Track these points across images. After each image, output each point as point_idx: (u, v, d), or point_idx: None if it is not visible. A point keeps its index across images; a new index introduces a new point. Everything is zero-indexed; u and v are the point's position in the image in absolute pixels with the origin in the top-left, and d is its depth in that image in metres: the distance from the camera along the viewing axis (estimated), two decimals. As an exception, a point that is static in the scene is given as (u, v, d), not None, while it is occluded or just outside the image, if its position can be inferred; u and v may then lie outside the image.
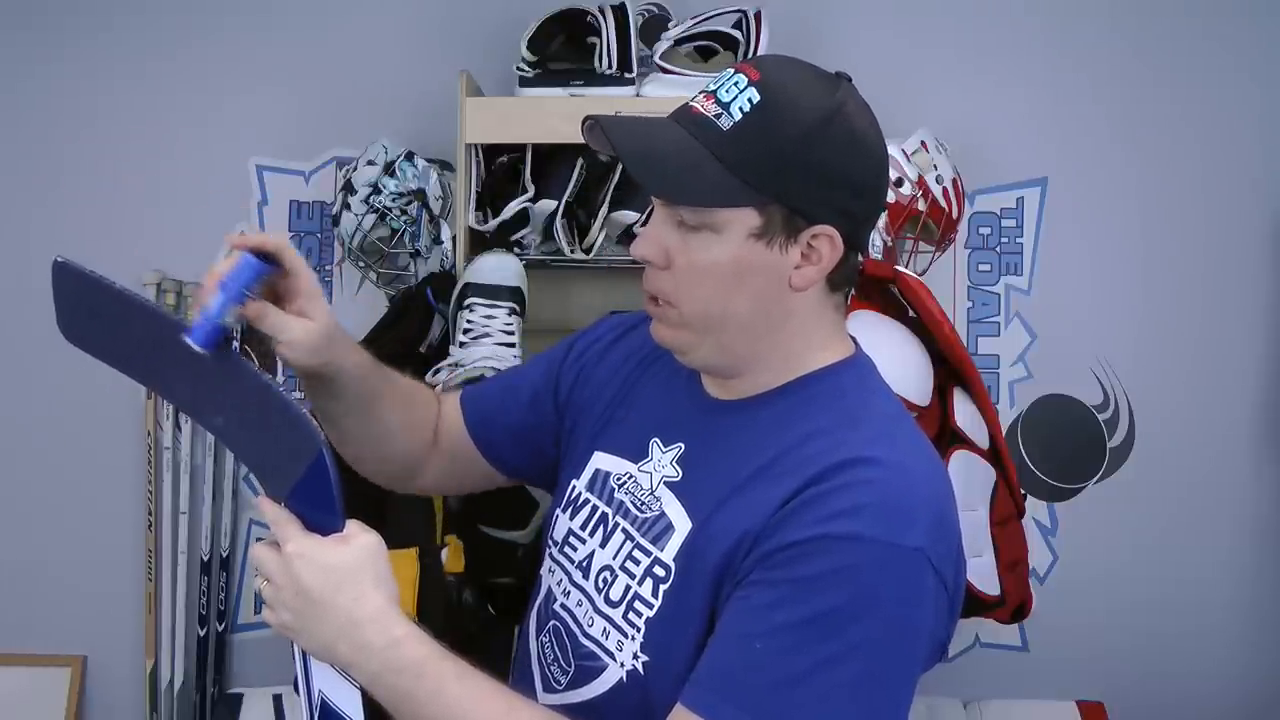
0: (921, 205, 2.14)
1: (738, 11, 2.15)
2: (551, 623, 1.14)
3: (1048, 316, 2.46)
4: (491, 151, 2.17)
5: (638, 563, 1.05)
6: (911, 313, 1.89)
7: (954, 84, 2.43)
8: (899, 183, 2.13)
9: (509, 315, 2.02)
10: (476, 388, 1.35)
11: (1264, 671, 2.46)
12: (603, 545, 1.10)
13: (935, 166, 2.17)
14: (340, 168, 2.41)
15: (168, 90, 2.49)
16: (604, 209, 2.10)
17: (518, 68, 2.14)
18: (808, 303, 1.04)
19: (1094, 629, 2.45)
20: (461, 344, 1.99)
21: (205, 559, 2.49)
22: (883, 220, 2.10)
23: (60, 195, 2.49)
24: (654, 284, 1.05)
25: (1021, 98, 2.44)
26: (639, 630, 1.03)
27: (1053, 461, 2.48)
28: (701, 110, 0.99)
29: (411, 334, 2.11)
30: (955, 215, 2.20)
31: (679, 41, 2.16)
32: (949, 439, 1.84)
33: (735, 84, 0.99)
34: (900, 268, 1.91)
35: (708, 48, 2.22)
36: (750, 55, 2.09)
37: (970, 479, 1.83)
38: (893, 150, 2.07)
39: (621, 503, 1.10)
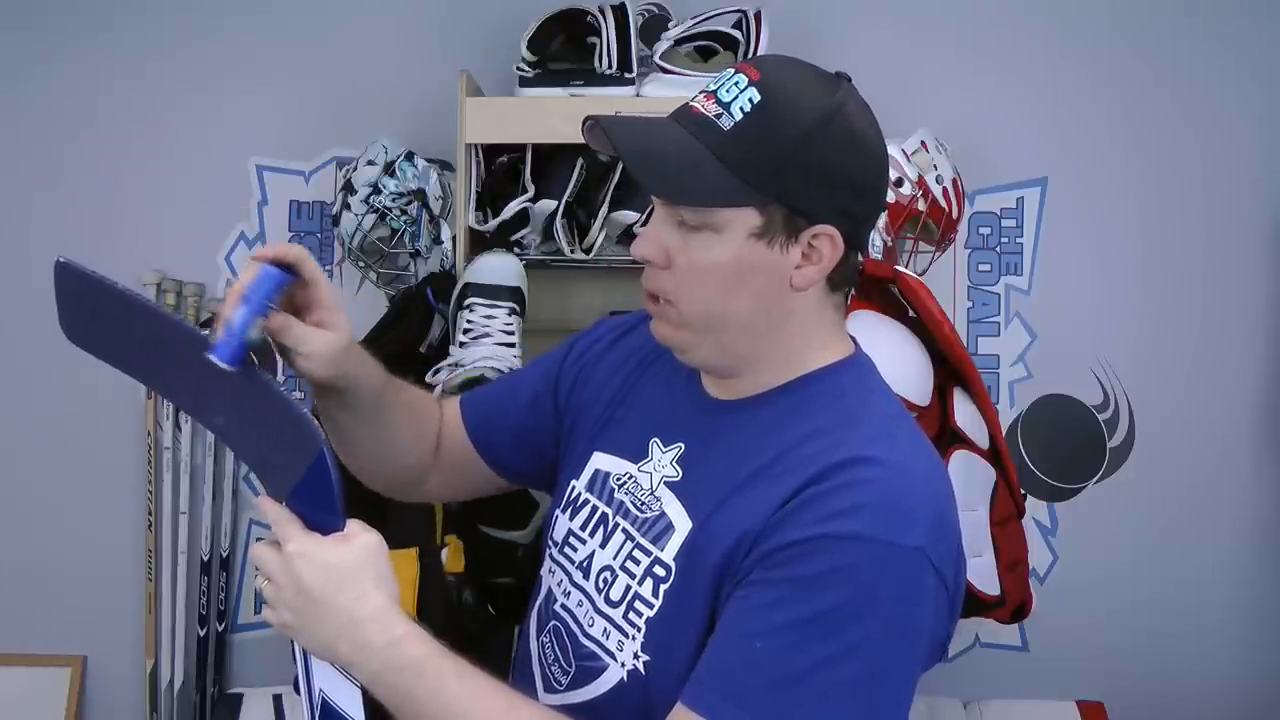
0: (921, 205, 2.14)
1: (738, 11, 2.15)
2: (552, 623, 1.14)
3: (1048, 316, 2.46)
4: (491, 151, 2.17)
5: (638, 563, 1.05)
6: (911, 313, 1.89)
7: (954, 84, 2.43)
8: (899, 183, 2.13)
9: (509, 315, 2.02)
10: (476, 392, 1.35)
11: (1264, 671, 2.47)
12: (603, 545, 1.10)
13: (935, 166, 2.17)
14: (340, 168, 2.41)
15: (168, 90, 2.49)
16: (604, 209, 2.10)
17: (518, 68, 2.14)
18: (808, 302, 1.04)
19: (1094, 629, 2.45)
20: (461, 344, 1.99)
21: (205, 559, 2.49)
22: (883, 220, 2.10)
23: (60, 195, 2.50)
24: (654, 284, 1.05)
25: (1021, 98, 2.44)
26: (639, 630, 1.03)
27: (1053, 461, 2.48)
28: (702, 110, 0.99)
29: (411, 334, 2.11)
30: (955, 215, 2.20)
31: (679, 41, 2.16)
32: (949, 439, 1.84)
33: (736, 84, 0.99)
34: (900, 268, 1.91)
35: (708, 48, 2.22)
36: (750, 55, 2.09)
37: (970, 479, 1.83)
38: (893, 150, 2.07)
39: (621, 503, 1.10)
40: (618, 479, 1.12)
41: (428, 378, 1.96)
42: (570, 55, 2.18)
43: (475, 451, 1.29)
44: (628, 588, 1.05)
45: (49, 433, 2.51)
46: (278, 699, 2.36)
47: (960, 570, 1.02)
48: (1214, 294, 2.44)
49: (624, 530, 1.08)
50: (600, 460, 1.16)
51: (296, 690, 1.03)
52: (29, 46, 2.49)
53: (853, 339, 1.12)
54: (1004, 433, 2.12)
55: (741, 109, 0.97)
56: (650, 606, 1.03)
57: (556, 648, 1.12)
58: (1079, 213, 2.45)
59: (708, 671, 0.94)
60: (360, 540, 0.96)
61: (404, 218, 2.13)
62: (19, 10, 2.49)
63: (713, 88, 1.00)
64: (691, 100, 1.02)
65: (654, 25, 2.20)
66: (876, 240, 2.09)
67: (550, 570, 1.17)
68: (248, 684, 2.48)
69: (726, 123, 0.98)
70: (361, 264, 2.20)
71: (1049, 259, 2.46)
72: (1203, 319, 2.44)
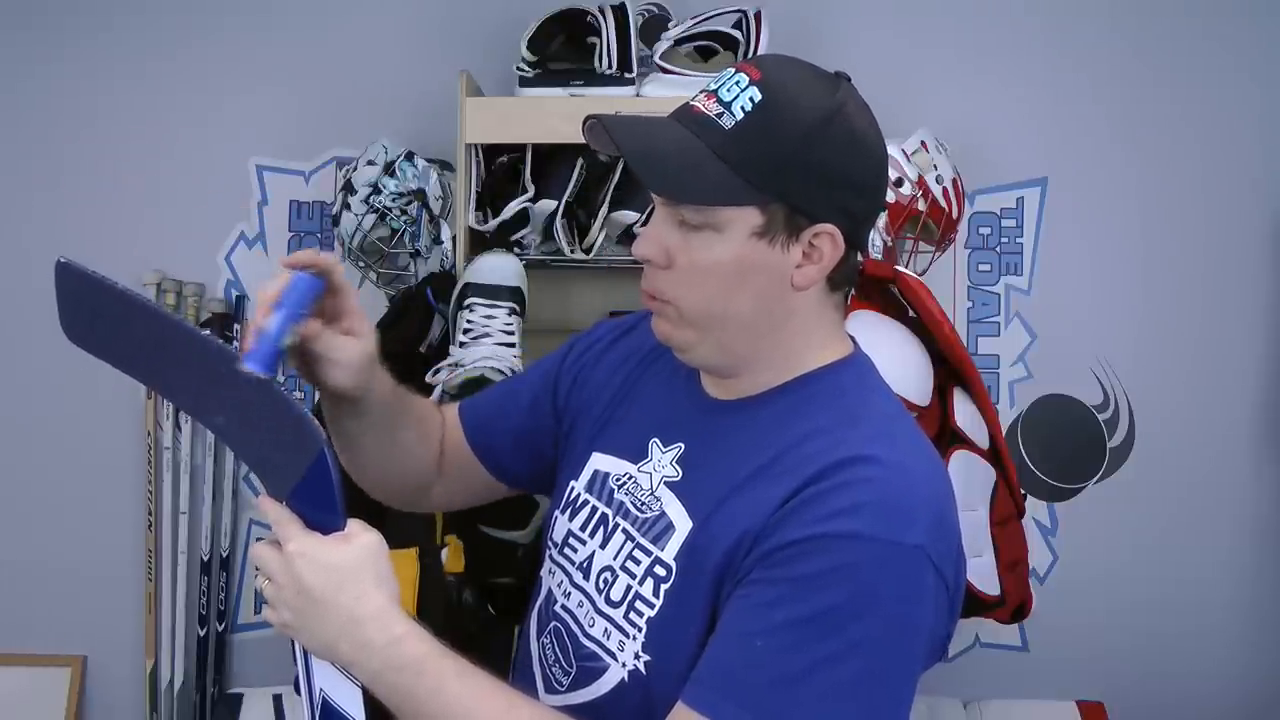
0: (921, 205, 2.14)
1: (738, 11, 2.15)
2: (552, 624, 1.14)
3: (1048, 316, 2.47)
4: (491, 151, 2.17)
5: (638, 563, 1.05)
6: (911, 313, 1.89)
7: (954, 84, 2.43)
8: (899, 183, 2.13)
9: (509, 315, 2.02)
10: (475, 398, 1.35)
11: (1264, 671, 2.47)
12: (603, 546, 1.10)
13: (935, 166, 2.17)
14: (340, 168, 2.41)
15: (168, 90, 2.49)
16: (604, 209, 2.10)
17: (518, 68, 2.14)
18: (808, 302, 1.04)
19: (1094, 629, 2.45)
20: (461, 344, 1.99)
21: (205, 559, 2.49)
22: (883, 220, 2.10)
23: (60, 195, 2.50)
24: (655, 284, 1.05)
25: (1021, 98, 2.44)
26: (640, 630, 1.03)
27: (1053, 461, 2.48)
28: (703, 109, 0.99)
29: (411, 334, 2.11)
30: (955, 215, 2.20)
31: (679, 41, 2.16)
32: (949, 439, 1.84)
33: (736, 83, 0.99)
34: (900, 268, 1.91)
35: (708, 48, 2.22)
36: (750, 55, 2.09)
37: (970, 479, 1.83)
38: (893, 150, 2.07)
39: (621, 503, 1.10)
40: (617, 479, 1.12)
41: (428, 378, 1.96)
42: (570, 55, 2.18)
43: (475, 458, 1.28)
44: (628, 588, 1.05)
45: (49, 433, 2.51)
46: (278, 699, 2.36)
47: (960, 569, 1.02)
48: (1214, 294, 2.44)
49: (624, 530, 1.08)
50: (599, 461, 1.16)
51: (297, 690, 1.03)
52: (29, 46, 2.49)
53: (852, 339, 1.12)
54: (1004, 433, 2.12)
55: (742, 108, 0.97)
56: (651, 606, 1.03)
57: (557, 648, 1.12)
58: (1079, 213, 2.45)
59: (708, 670, 0.94)
60: (361, 540, 0.96)
61: (404, 218, 2.13)
62: (19, 10, 2.49)
63: (713, 87, 1.00)
64: (692, 99, 1.02)
65: (654, 25, 2.20)
66: (876, 240, 2.09)
67: (550, 571, 1.17)
68: (248, 684, 2.48)
69: (728, 122, 0.98)
70: (361, 264, 2.20)
71: (1049, 259, 2.46)
72: (1203, 319, 2.44)
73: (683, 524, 1.03)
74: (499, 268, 2.04)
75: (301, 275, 1.02)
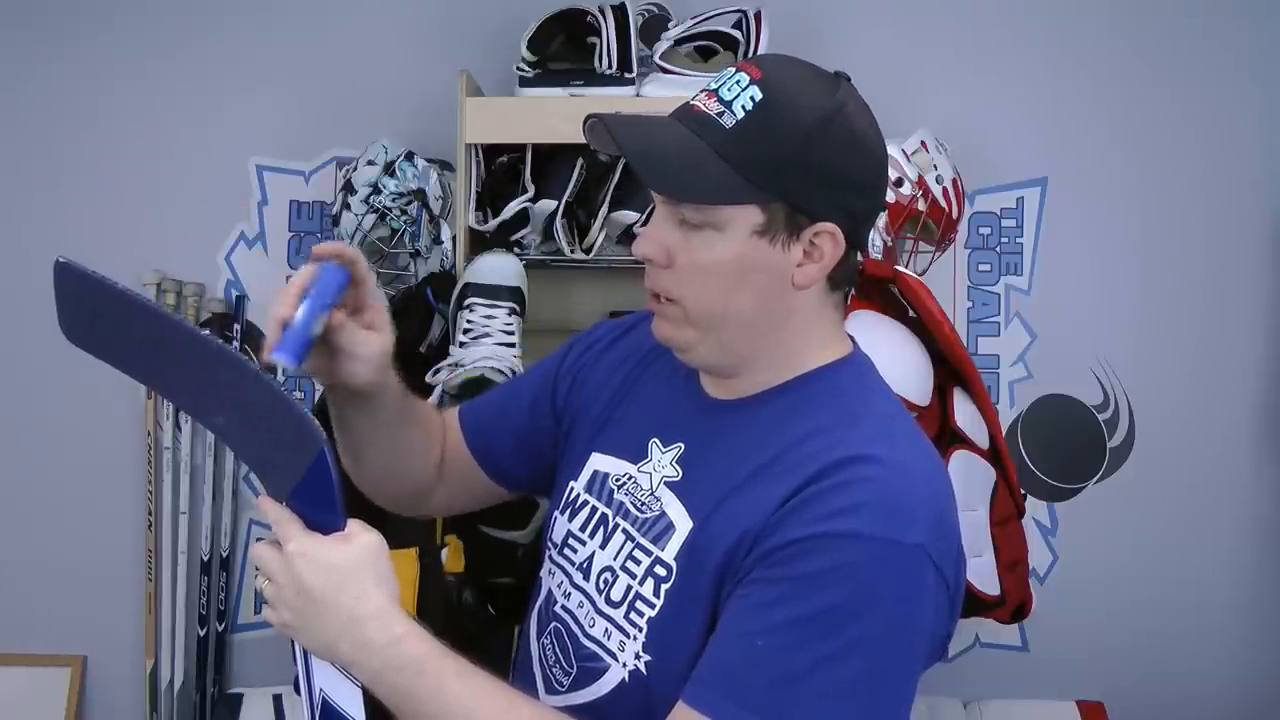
0: (921, 205, 2.14)
1: (738, 11, 2.15)
2: (553, 624, 1.14)
3: (1048, 316, 2.46)
4: (491, 151, 2.17)
5: (638, 563, 1.05)
6: (911, 313, 1.89)
7: (954, 84, 2.43)
8: (899, 183, 2.13)
9: (509, 315, 2.02)
10: (474, 402, 1.35)
11: (1264, 671, 2.47)
12: (603, 546, 1.10)
13: (935, 166, 2.17)
14: (340, 168, 2.41)
15: (168, 90, 2.49)
16: (604, 209, 2.10)
17: (518, 68, 2.14)
18: (809, 301, 1.04)
19: (1094, 629, 2.45)
20: (461, 344, 1.99)
21: (205, 559, 2.49)
22: (883, 220, 2.10)
23: (60, 195, 2.49)
24: (657, 283, 1.05)
25: (1021, 98, 2.44)
26: (641, 630, 1.03)
27: (1053, 461, 2.48)
28: (704, 108, 1.00)
29: (411, 334, 2.11)
30: (955, 215, 2.20)
31: (679, 41, 2.16)
32: (949, 439, 1.84)
33: (737, 82, 0.99)
34: (900, 268, 1.91)
35: (708, 48, 2.22)
36: (750, 55, 2.09)
37: (970, 479, 1.83)
38: (893, 150, 2.07)
39: (621, 503, 1.10)
40: (617, 480, 1.12)
41: (428, 378, 1.96)
42: (570, 55, 2.18)
43: (475, 462, 1.29)
44: (629, 588, 1.05)
45: (49, 433, 2.51)
46: (278, 699, 2.36)
47: (960, 568, 1.02)
48: (1214, 294, 2.44)
49: (624, 531, 1.08)
50: (599, 461, 1.16)
51: (297, 690, 1.03)
52: (29, 46, 2.49)
53: (851, 338, 1.12)
54: (1004, 433, 2.12)
55: (743, 107, 0.98)
56: (652, 606, 1.03)
57: (557, 649, 1.12)
58: (1079, 213, 2.45)
59: (709, 670, 0.94)
60: (361, 540, 0.96)
61: (404, 218, 2.13)
62: (19, 10, 2.49)
63: (714, 86, 1.01)
64: (693, 99, 1.02)
65: (654, 25, 2.20)
66: (876, 240, 2.09)
67: (550, 572, 1.17)
68: (248, 684, 2.48)
69: (728, 121, 0.98)
70: (361, 264, 2.20)
71: (1049, 259, 2.46)
72: (1203, 319, 2.44)
73: (683, 524, 1.03)
74: (499, 268, 2.04)
75: (329, 265, 1.03)
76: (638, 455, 1.12)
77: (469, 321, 2.00)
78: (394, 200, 2.12)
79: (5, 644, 2.51)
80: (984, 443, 1.88)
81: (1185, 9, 2.41)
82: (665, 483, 1.07)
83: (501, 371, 1.92)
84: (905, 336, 1.86)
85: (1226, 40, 2.42)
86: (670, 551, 1.03)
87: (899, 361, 1.78)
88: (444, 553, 1.98)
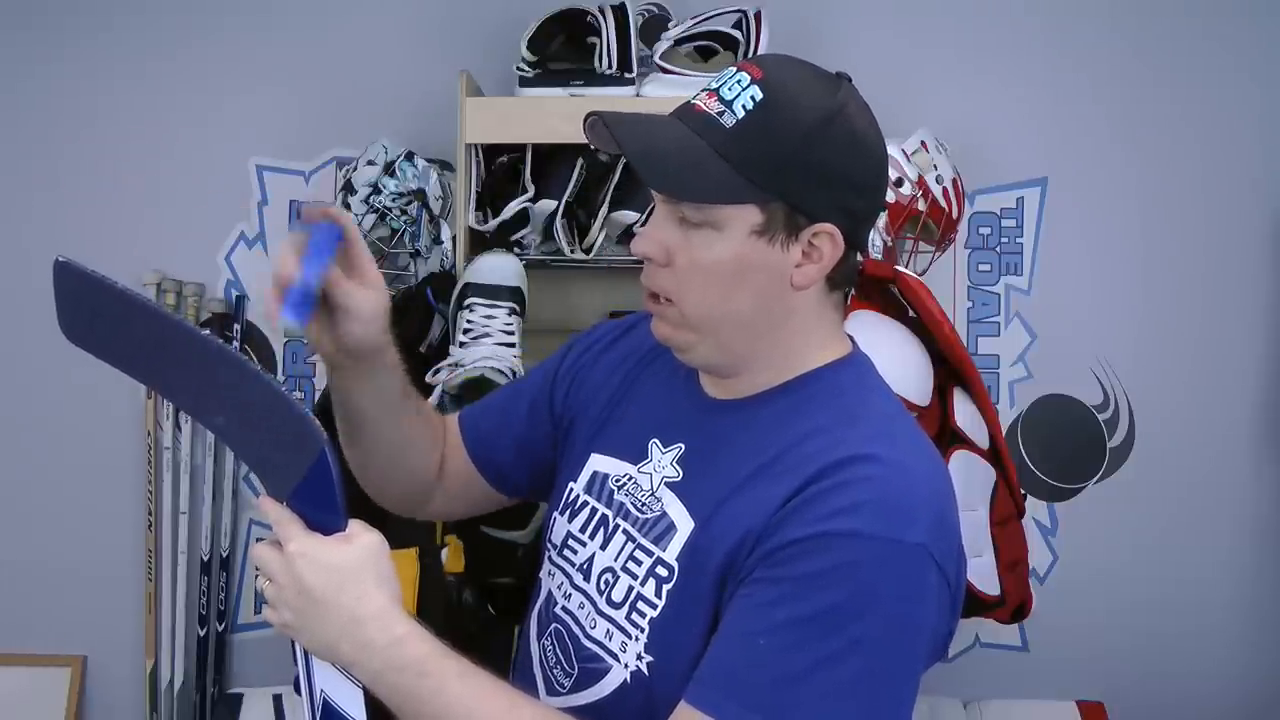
0: (921, 205, 2.14)
1: (738, 11, 2.15)
2: (553, 626, 1.14)
3: (1048, 316, 2.46)
4: (491, 151, 2.17)
5: (639, 563, 1.05)
6: (911, 313, 1.89)
7: (954, 84, 2.43)
8: (899, 183, 2.13)
9: (509, 315, 2.02)
10: (474, 408, 1.35)
11: (1264, 671, 2.47)
12: (603, 547, 1.10)
13: (935, 166, 2.17)
14: (340, 168, 2.41)
15: (168, 90, 2.49)
16: (604, 209, 2.10)
17: (518, 68, 2.14)
18: (808, 302, 1.04)
19: (1094, 629, 2.45)
20: (461, 344, 1.99)
21: (205, 559, 2.49)
22: (883, 220, 2.10)
23: (60, 195, 2.49)
24: (655, 282, 1.05)
25: (1021, 98, 2.44)
26: (643, 631, 1.03)
27: (1053, 461, 2.48)
28: (704, 108, 1.00)
29: (411, 334, 2.11)
30: (955, 215, 2.20)
31: (679, 41, 2.16)
32: (949, 439, 1.84)
33: (738, 82, 0.99)
34: (900, 268, 1.91)
35: (708, 48, 2.22)
36: (750, 55, 2.09)
37: (970, 479, 1.82)
38: (893, 150, 2.07)
39: (621, 504, 1.10)
40: (617, 480, 1.12)
41: (428, 378, 1.96)
42: (570, 55, 2.18)
43: (475, 470, 1.28)
44: (630, 589, 1.05)
45: (49, 433, 2.51)
46: (278, 699, 2.36)
47: (961, 567, 1.02)
48: (1214, 294, 2.44)
49: (624, 531, 1.08)
50: (598, 462, 1.16)
51: (297, 691, 1.03)
52: (29, 46, 2.49)
53: (851, 338, 1.12)
54: (1004, 433, 2.12)
55: (744, 107, 0.98)
56: (653, 607, 1.03)
57: (558, 650, 1.12)
58: (1079, 213, 2.45)
59: (711, 670, 0.94)
60: (362, 540, 0.96)
61: (404, 218, 2.13)
62: (19, 10, 2.49)
63: (715, 85, 1.01)
64: (694, 98, 1.02)
65: (654, 25, 2.19)
66: (876, 240, 2.09)
67: (550, 573, 1.17)
68: (248, 684, 2.48)
69: (729, 120, 0.98)
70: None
71: (1049, 259, 2.46)
72: (1203, 319, 2.44)
73: (684, 524, 1.03)
74: (499, 268, 2.04)
75: (322, 224, 1.04)
76: (638, 456, 1.12)
77: (469, 321, 2.00)
78: (394, 200, 2.12)
79: (5, 644, 2.51)
80: (984, 443, 1.88)
81: (1185, 9, 2.41)
82: (666, 483, 1.07)
83: (501, 371, 1.92)
84: (905, 336, 1.86)
85: (1226, 40, 2.42)
86: (672, 552, 1.03)
87: (899, 361, 1.78)
88: (444, 553, 1.98)
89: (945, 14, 2.44)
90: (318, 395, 2.44)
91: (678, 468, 1.08)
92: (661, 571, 1.03)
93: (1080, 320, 2.46)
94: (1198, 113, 2.42)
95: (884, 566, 0.93)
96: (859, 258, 1.07)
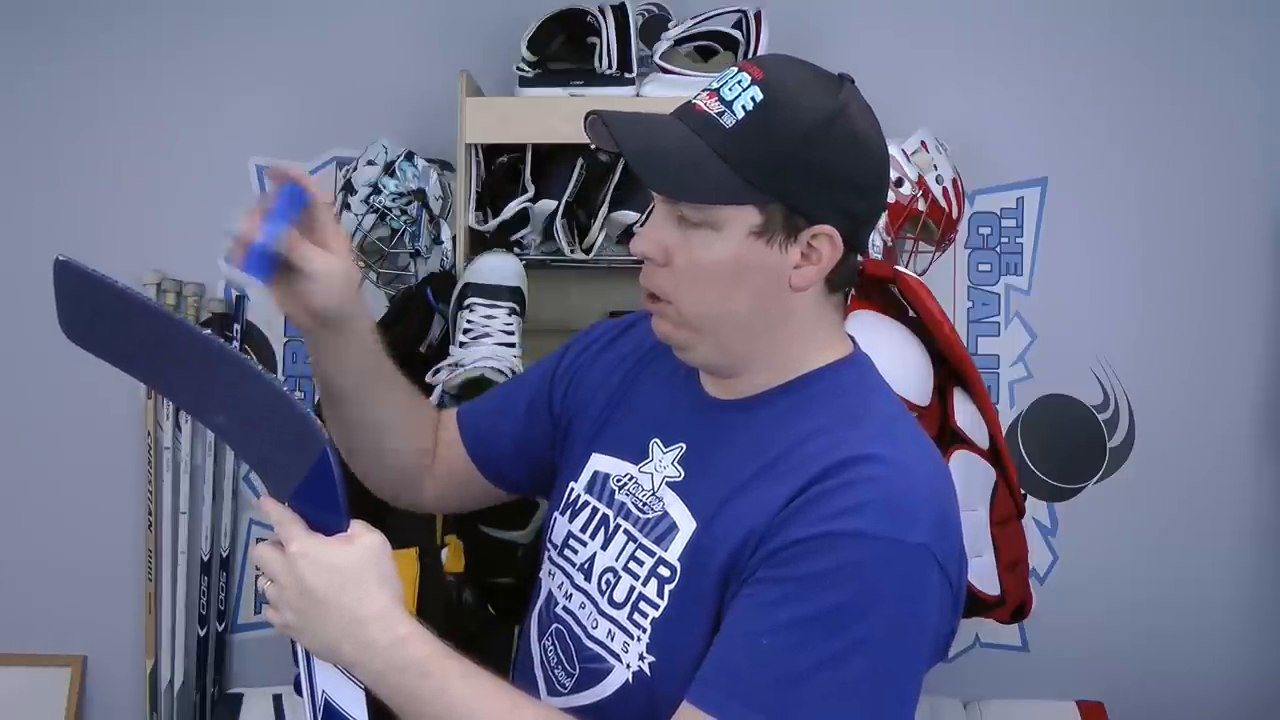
0: (921, 205, 2.14)
1: (738, 11, 2.15)
2: (554, 626, 1.14)
3: (1048, 316, 2.46)
4: (491, 151, 2.16)
5: (641, 563, 1.05)
6: (911, 313, 1.89)
7: (954, 84, 2.43)
8: (899, 183, 2.13)
9: (509, 315, 2.02)
10: (473, 406, 1.35)
11: (1264, 671, 2.47)
12: (604, 547, 1.10)
13: (935, 166, 2.17)
14: (340, 168, 2.41)
15: (168, 90, 2.49)
16: (604, 209, 2.10)
17: (518, 68, 2.14)
18: (807, 303, 1.04)
19: (1094, 629, 2.45)
20: (461, 344, 1.99)
21: (205, 559, 2.49)
22: (883, 220, 2.10)
23: (60, 195, 2.49)
24: (653, 281, 1.05)
25: (1021, 98, 2.44)
26: (645, 631, 1.03)
27: (1053, 461, 2.48)
28: (704, 108, 1.00)
29: (411, 334, 2.11)
30: (955, 215, 2.20)
31: (679, 41, 2.16)
32: (949, 439, 1.84)
33: (739, 82, 0.99)
34: (900, 268, 1.91)
35: (708, 48, 2.22)
36: (750, 55, 2.09)
37: (970, 479, 1.82)
38: (893, 150, 2.07)
39: (622, 504, 1.10)
40: (618, 480, 1.12)
41: (428, 378, 1.96)
42: (570, 55, 2.18)
43: (475, 468, 1.28)
44: (632, 589, 1.05)
45: (49, 433, 2.50)
46: (278, 699, 2.36)
47: (963, 567, 1.02)
48: (1214, 294, 2.44)
49: (625, 531, 1.08)
50: (599, 462, 1.16)
51: (298, 691, 1.03)
52: (29, 46, 2.49)
53: (852, 339, 1.12)
54: (1004, 433, 2.12)
55: (744, 107, 0.98)
56: (655, 607, 1.02)
57: (559, 650, 1.12)
58: (1079, 213, 2.45)
59: (714, 670, 0.94)
60: (364, 541, 0.96)
61: (404, 218, 2.13)
62: (19, 10, 2.48)
63: (716, 86, 1.01)
64: (695, 98, 1.02)
65: (654, 25, 2.19)
66: (876, 240, 2.09)
67: (550, 573, 1.17)
68: (248, 684, 2.48)
69: (729, 121, 0.98)
70: (361, 264, 2.20)
71: (1049, 259, 2.46)
72: (1203, 319, 2.44)
73: (686, 524, 1.03)
74: (499, 268, 2.04)
75: (291, 185, 1.05)
76: (639, 455, 1.11)
77: (469, 321, 2.00)
78: (394, 200, 2.12)
79: (5, 644, 2.51)
80: (984, 443, 1.88)
81: (1185, 9, 2.41)
82: (667, 483, 1.07)
83: (501, 371, 1.92)
84: (905, 336, 1.86)
85: (1226, 40, 2.41)
86: (674, 552, 1.03)
87: (899, 361, 1.78)
88: (444, 553, 1.98)
89: (945, 14, 2.44)
90: (318, 395, 2.43)
91: (679, 467, 1.08)
92: (663, 572, 1.03)
93: (1080, 320, 2.46)
94: (1198, 113, 2.42)
95: (887, 566, 0.93)
96: (859, 259, 1.07)
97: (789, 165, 0.97)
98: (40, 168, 2.50)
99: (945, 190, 2.18)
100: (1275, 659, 2.47)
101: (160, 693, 2.49)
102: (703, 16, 2.16)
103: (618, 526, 1.09)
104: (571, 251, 2.13)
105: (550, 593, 1.16)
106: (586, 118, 1.03)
